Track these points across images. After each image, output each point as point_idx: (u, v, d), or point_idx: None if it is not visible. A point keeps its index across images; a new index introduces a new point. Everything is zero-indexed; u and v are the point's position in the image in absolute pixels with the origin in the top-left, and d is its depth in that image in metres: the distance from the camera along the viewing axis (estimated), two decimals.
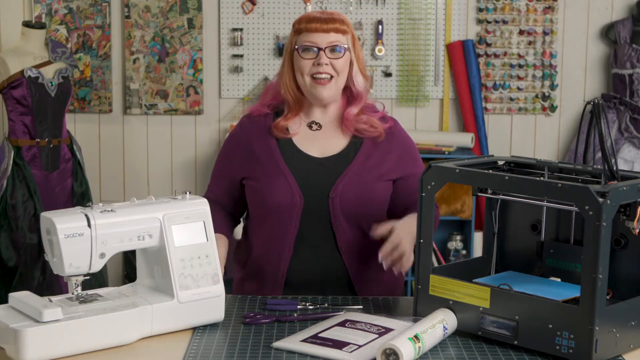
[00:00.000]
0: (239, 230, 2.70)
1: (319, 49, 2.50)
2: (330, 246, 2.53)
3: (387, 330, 2.06)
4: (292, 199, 2.50)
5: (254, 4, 5.08)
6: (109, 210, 2.05)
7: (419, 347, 1.91)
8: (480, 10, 5.10)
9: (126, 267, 5.12)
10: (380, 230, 2.40)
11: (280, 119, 2.58)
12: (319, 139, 2.58)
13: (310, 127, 2.60)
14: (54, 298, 2.07)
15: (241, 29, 5.09)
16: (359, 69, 2.57)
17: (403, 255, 2.34)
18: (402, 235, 2.36)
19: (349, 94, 2.59)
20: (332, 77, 2.51)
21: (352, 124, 2.56)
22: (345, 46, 2.52)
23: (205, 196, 2.67)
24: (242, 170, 2.58)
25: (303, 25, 2.52)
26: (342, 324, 2.10)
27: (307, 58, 2.51)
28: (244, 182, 2.59)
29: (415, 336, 1.92)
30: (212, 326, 2.15)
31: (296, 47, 2.53)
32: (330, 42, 2.50)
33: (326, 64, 2.49)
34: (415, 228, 2.34)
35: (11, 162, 4.41)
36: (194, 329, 2.13)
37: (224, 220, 2.61)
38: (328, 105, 2.58)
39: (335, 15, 2.54)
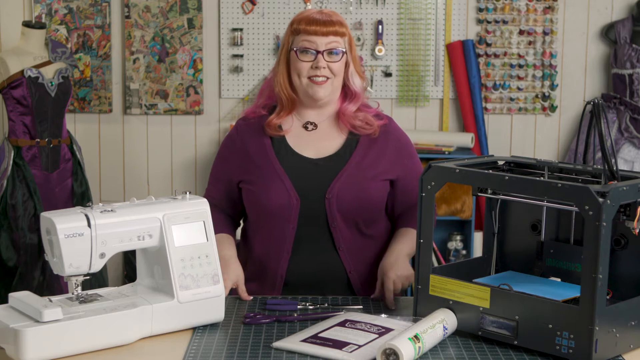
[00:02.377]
0: (237, 233, 2.70)
1: (318, 52, 2.49)
2: (329, 246, 2.53)
3: (387, 330, 2.06)
4: (289, 201, 2.50)
5: (254, 4, 5.08)
6: (109, 210, 2.05)
7: (419, 347, 1.91)
8: (480, 10, 5.10)
9: (126, 267, 5.12)
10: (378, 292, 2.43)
11: (272, 116, 2.57)
12: (314, 139, 2.58)
13: (305, 127, 2.59)
14: (54, 298, 2.07)
15: (241, 29, 5.09)
16: (355, 70, 2.56)
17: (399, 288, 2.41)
18: (394, 276, 2.39)
19: (347, 92, 2.58)
20: (328, 78, 2.51)
21: (348, 120, 2.56)
22: (343, 49, 2.52)
23: None
24: (239, 173, 2.58)
25: (302, 27, 2.51)
26: (342, 324, 2.10)
27: (305, 60, 2.50)
28: (240, 185, 2.59)
29: (415, 336, 1.92)
30: (212, 326, 2.15)
31: (294, 48, 2.52)
32: (328, 44, 2.50)
33: (324, 67, 2.49)
34: (403, 248, 2.48)
35: (11, 162, 4.41)
36: (194, 329, 2.13)
37: (225, 221, 2.61)
38: (323, 106, 2.58)
39: (333, 17, 2.52)
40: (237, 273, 2.45)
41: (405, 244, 2.51)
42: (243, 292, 2.41)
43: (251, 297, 2.40)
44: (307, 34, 2.49)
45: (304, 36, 2.50)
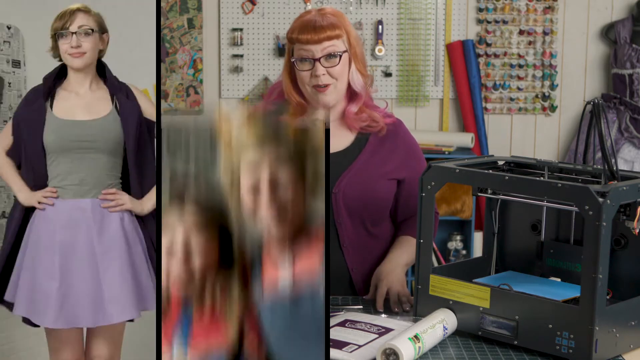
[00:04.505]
0: None
1: (315, 59, 2.47)
2: (333, 243, 2.52)
3: (387, 330, 2.06)
4: None
5: (254, 4, 5.08)
6: None
7: (419, 347, 1.91)
8: (480, 10, 5.10)
9: None
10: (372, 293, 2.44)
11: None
12: None
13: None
14: None
15: (241, 29, 5.09)
16: (356, 68, 2.55)
17: (397, 297, 2.38)
18: (388, 283, 2.40)
19: (351, 92, 2.58)
20: (331, 83, 2.50)
21: (354, 122, 2.55)
22: (341, 51, 2.49)
23: None
24: None
25: (295, 36, 2.48)
26: (342, 324, 2.10)
27: (305, 70, 2.48)
28: None
29: (415, 336, 1.92)
30: None
31: (293, 59, 2.51)
32: (324, 50, 2.47)
33: (323, 74, 2.47)
34: (402, 256, 2.47)
35: None
36: None
37: None
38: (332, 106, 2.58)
39: (326, 21, 2.47)
40: None
41: (404, 253, 2.51)
42: None
43: None
44: (301, 43, 2.47)
45: (299, 45, 2.47)
